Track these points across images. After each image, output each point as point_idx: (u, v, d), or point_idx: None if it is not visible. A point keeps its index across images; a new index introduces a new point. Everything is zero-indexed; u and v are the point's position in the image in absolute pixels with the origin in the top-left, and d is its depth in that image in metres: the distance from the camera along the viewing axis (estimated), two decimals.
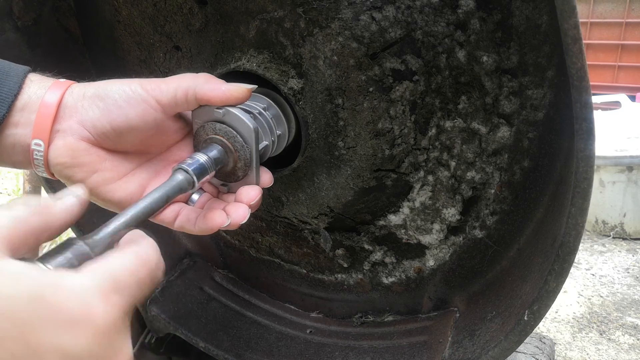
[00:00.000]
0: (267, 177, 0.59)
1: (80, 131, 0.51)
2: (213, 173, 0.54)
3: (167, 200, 0.49)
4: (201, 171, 0.52)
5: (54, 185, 0.87)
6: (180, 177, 0.50)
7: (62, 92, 0.51)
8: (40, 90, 0.51)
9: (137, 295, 0.36)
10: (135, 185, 0.55)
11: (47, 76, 0.53)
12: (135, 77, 0.54)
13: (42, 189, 1.42)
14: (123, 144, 0.54)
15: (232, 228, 0.54)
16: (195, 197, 0.58)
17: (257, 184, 0.57)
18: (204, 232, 0.55)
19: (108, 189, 0.54)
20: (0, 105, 0.49)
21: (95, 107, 0.51)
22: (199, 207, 0.58)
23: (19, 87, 0.50)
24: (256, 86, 0.57)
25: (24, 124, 0.50)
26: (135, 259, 0.37)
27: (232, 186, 0.58)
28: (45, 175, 0.53)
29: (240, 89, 0.53)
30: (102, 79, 0.55)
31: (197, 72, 0.56)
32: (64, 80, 0.53)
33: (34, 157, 0.51)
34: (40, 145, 0.50)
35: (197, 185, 0.51)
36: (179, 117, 0.56)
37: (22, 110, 0.50)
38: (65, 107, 0.51)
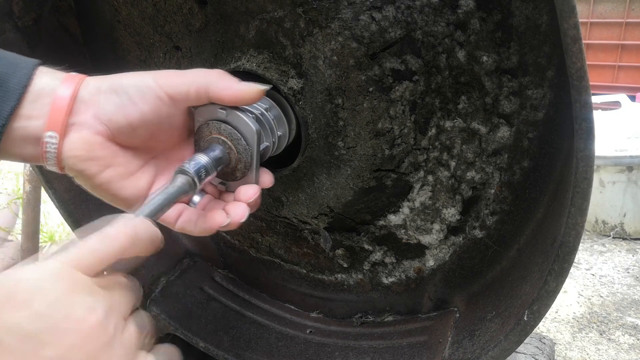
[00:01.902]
0: (268, 178, 0.59)
1: (96, 125, 0.51)
2: (214, 174, 0.54)
3: (170, 204, 0.49)
4: (203, 173, 0.52)
5: (54, 185, 0.87)
6: (182, 179, 0.50)
7: (77, 85, 0.51)
8: (53, 82, 0.50)
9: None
10: (144, 183, 0.55)
11: (58, 69, 0.52)
12: None
13: (42, 189, 1.42)
14: (135, 138, 0.54)
15: (232, 227, 0.54)
16: (196, 198, 0.58)
17: (256, 183, 0.57)
18: (205, 232, 0.55)
19: (120, 184, 0.54)
20: (10, 96, 0.48)
21: (112, 101, 0.51)
22: (200, 208, 0.58)
23: (29, 79, 0.49)
24: (270, 86, 0.57)
25: (37, 116, 0.50)
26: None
27: (231, 185, 0.58)
28: (53, 169, 0.52)
29: (252, 90, 0.53)
30: None
31: None
32: (75, 73, 0.52)
33: (46, 149, 0.50)
34: (53, 137, 0.50)
35: (198, 187, 0.52)
36: (190, 112, 0.56)
37: (34, 102, 0.50)
38: (81, 101, 0.51)
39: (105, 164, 0.52)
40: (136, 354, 0.36)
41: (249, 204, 0.55)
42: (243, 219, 0.54)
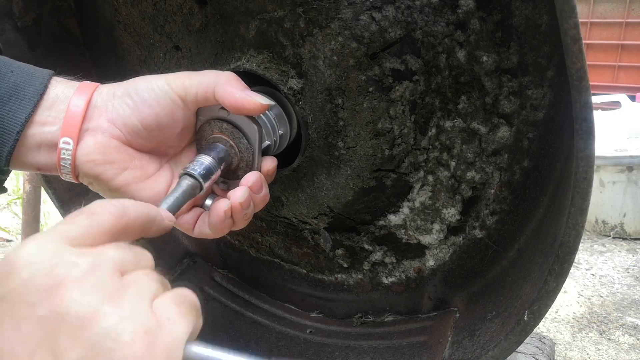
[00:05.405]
0: (270, 163, 0.59)
1: (111, 129, 0.52)
2: (219, 172, 0.55)
3: (179, 207, 0.49)
4: (207, 173, 0.52)
5: (54, 185, 0.87)
6: (188, 182, 0.51)
7: (91, 92, 0.52)
8: (67, 90, 0.51)
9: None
10: (162, 185, 0.56)
11: (71, 79, 0.54)
12: (134, 76, 0.54)
13: (42, 189, 1.42)
14: (151, 141, 0.54)
15: (235, 213, 0.54)
16: (208, 202, 0.58)
17: None
18: (217, 226, 0.54)
19: (138, 187, 0.54)
20: (26, 103, 0.49)
21: (126, 105, 0.52)
22: None
23: (45, 87, 0.50)
24: (273, 103, 0.57)
25: (52, 123, 0.50)
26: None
27: (233, 184, 0.58)
28: (68, 177, 0.53)
29: (254, 102, 0.53)
30: (102, 79, 0.55)
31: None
32: (90, 82, 0.53)
33: (61, 156, 0.51)
34: (69, 143, 0.50)
35: (204, 187, 0.52)
36: None
37: (49, 109, 0.50)
38: (95, 107, 0.52)
39: (121, 167, 0.53)
40: (145, 301, 0.36)
41: (249, 187, 0.55)
42: (242, 199, 0.54)
